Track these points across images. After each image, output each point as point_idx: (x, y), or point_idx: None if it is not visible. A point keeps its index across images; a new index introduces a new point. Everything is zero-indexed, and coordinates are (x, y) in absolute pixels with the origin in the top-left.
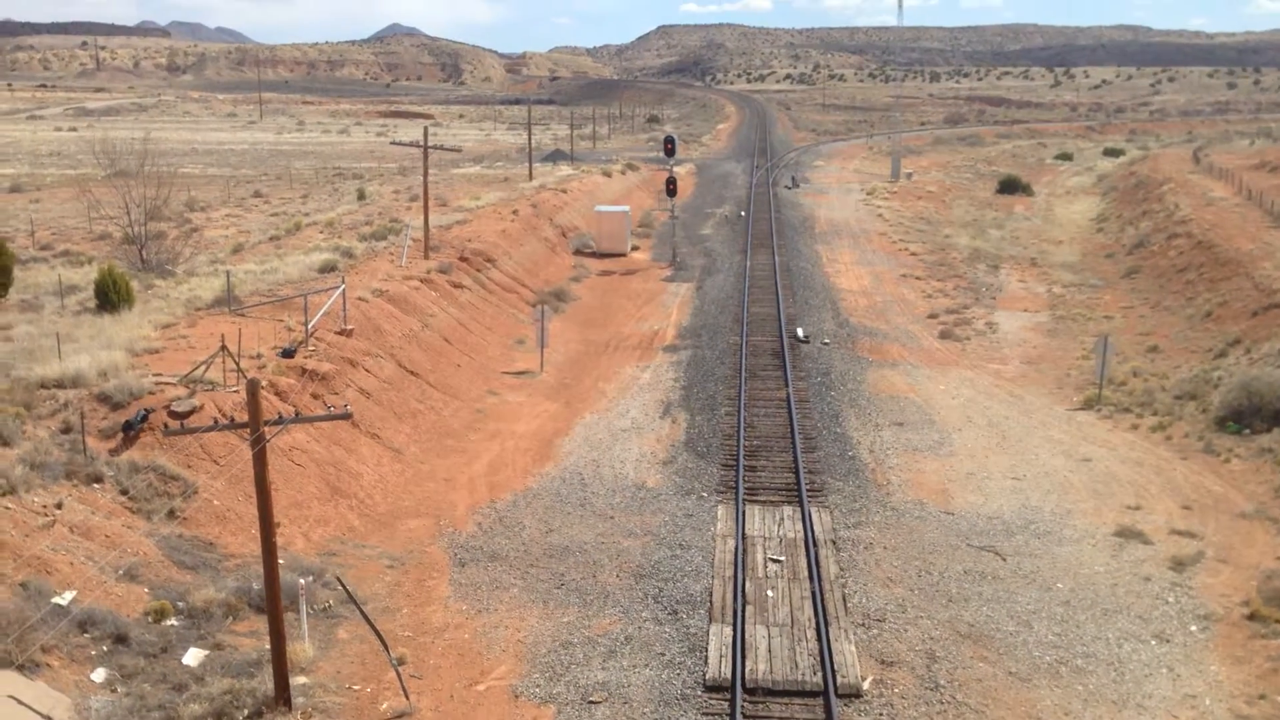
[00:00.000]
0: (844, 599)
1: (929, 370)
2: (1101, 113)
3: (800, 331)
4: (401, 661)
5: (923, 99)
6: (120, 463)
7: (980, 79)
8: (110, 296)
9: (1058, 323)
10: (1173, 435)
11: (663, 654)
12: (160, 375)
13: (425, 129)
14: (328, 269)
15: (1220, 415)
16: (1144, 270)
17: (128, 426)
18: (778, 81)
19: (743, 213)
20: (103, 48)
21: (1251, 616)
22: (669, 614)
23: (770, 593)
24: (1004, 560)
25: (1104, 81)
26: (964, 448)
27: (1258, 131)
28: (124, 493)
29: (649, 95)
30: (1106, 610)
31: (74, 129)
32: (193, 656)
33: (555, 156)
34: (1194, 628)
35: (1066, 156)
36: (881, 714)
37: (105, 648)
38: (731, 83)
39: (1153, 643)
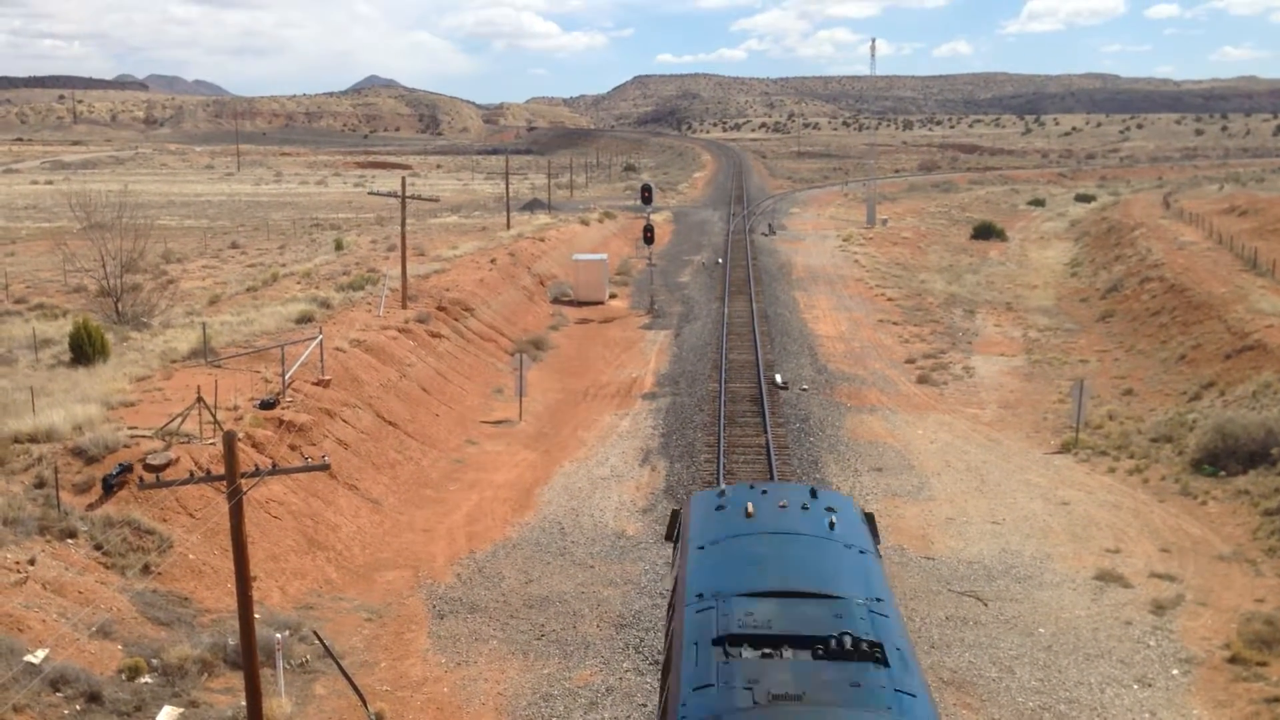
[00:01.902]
0: None
1: (907, 415)
2: (1072, 159)
3: (778, 378)
4: (380, 716)
5: (896, 146)
6: (94, 517)
7: (953, 127)
8: (85, 349)
9: (1034, 367)
10: (1150, 478)
11: (644, 705)
12: (135, 428)
13: (403, 179)
14: (305, 320)
15: (1196, 458)
16: (1118, 314)
17: (107, 481)
18: (753, 130)
19: (720, 260)
20: (80, 101)
21: (1232, 659)
22: (651, 664)
23: None
24: (985, 605)
25: (1074, 128)
26: (943, 492)
27: (1226, 177)
28: (98, 548)
29: (626, 144)
30: (1088, 655)
31: (50, 182)
32: (167, 715)
33: (533, 205)
34: (1176, 671)
35: (1039, 202)
36: None
37: (78, 707)
38: (707, 131)
39: (1135, 687)
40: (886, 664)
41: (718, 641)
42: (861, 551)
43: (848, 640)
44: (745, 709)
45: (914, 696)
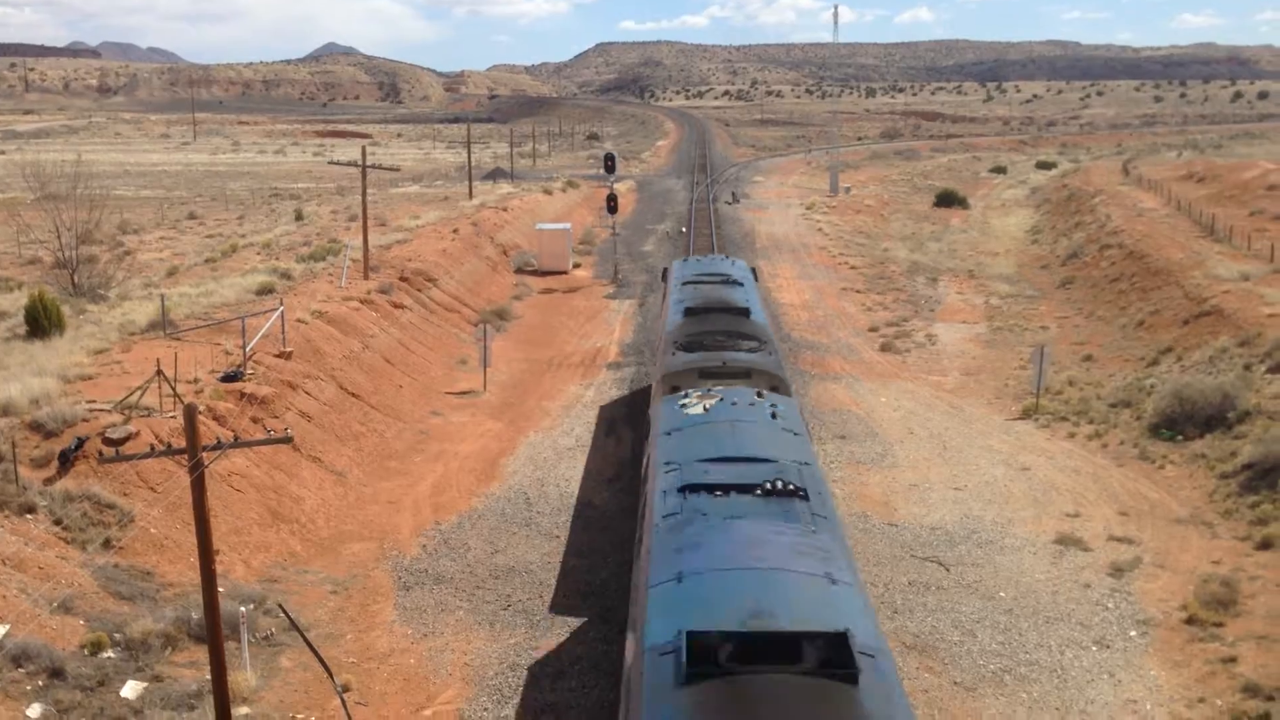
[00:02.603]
0: None
1: (870, 383)
2: (1033, 126)
3: None
4: (346, 689)
5: (859, 114)
6: (54, 492)
7: (915, 94)
8: (41, 322)
9: (995, 334)
10: (1108, 443)
11: (612, 673)
12: (94, 402)
13: (363, 148)
14: (265, 291)
15: (1154, 422)
16: (1078, 281)
17: (64, 456)
18: (716, 98)
19: (684, 229)
20: (32, 69)
21: (1189, 621)
22: (618, 633)
23: None
24: (947, 571)
25: (1035, 96)
26: (906, 459)
27: (1184, 143)
28: (58, 523)
29: (588, 112)
30: (1048, 618)
31: (2, 152)
32: (131, 689)
33: (495, 175)
34: (1133, 633)
35: (1000, 170)
36: None
37: (41, 682)
38: (670, 99)
39: (1094, 649)
40: (742, 284)
41: (683, 284)
42: (741, 268)
43: (729, 277)
44: (688, 283)
45: (746, 287)
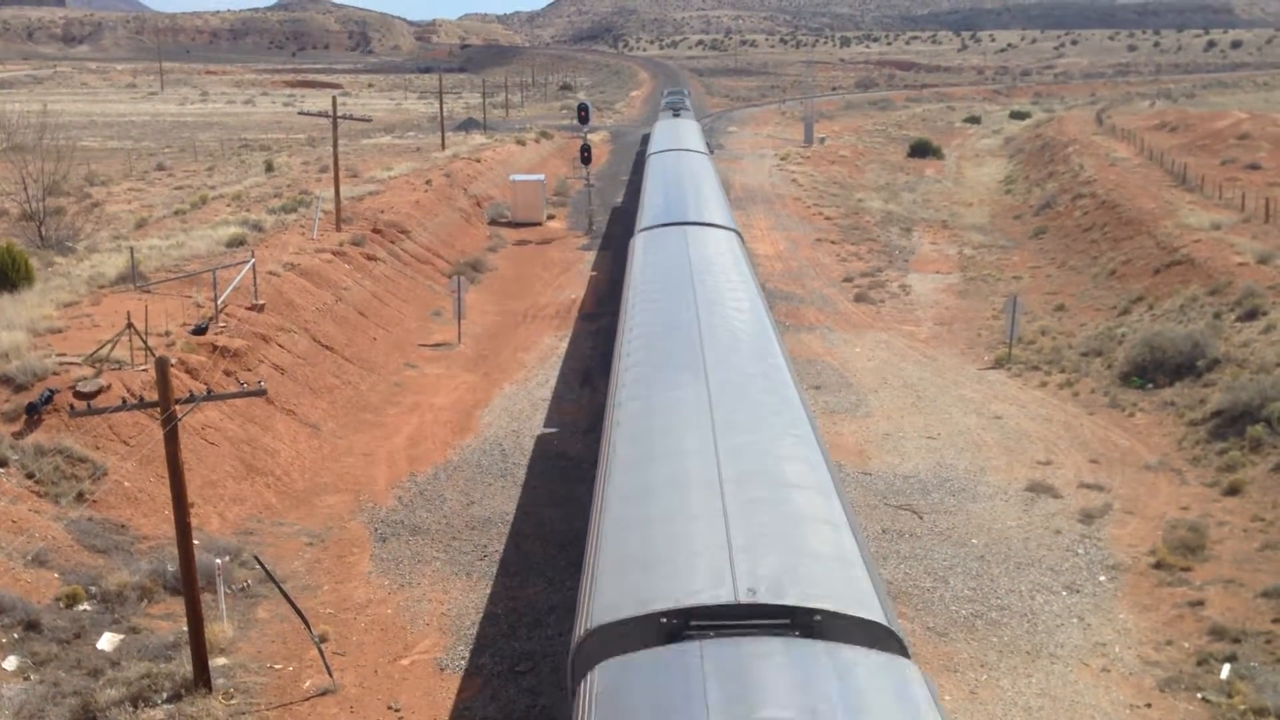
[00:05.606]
0: None
1: (845, 333)
2: (1008, 76)
3: None
4: (324, 639)
5: (834, 64)
6: (25, 446)
7: (890, 43)
8: (9, 275)
9: (969, 284)
10: (1080, 391)
11: None
12: (64, 355)
13: (334, 98)
14: (236, 243)
15: (1125, 371)
16: (1051, 230)
17: (31, 408)
18: (690, 48)
19: None
20: None
21: (1158, 565)
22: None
23: None
24: (921, 518)
25: (1009, 45)
26: (880, 409)
27: (1157, 93)
28: (30, 476)
29: (561, 62)
30: (1019, 564)
31: None
32: (107, 641)
33: (468, 125)
34: (1103, 578)
35: (975, 120)
36: None
37: (16, 635)
38: (644, 49)
39: (1064, 594)
40: (688, 110)
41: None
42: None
43: (680, 102)
44: (663, 130)
45: (691, 111)
